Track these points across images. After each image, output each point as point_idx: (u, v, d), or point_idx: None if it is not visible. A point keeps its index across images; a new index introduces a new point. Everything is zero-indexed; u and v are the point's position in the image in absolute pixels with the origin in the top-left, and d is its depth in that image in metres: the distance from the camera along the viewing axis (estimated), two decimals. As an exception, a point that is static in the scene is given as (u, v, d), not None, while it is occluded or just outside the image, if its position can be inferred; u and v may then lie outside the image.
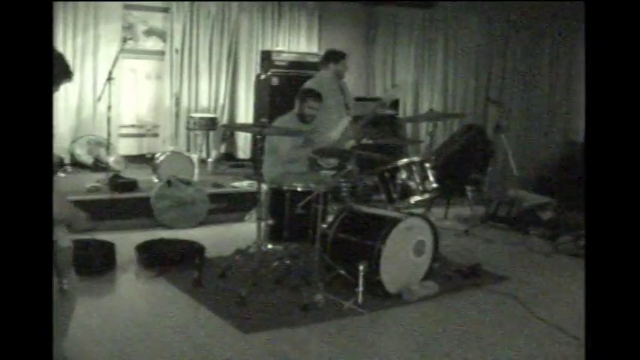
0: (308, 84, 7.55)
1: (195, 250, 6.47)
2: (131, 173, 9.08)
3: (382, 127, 10.43)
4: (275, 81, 10.13)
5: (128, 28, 10.45)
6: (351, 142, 6.87)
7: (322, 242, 5.74)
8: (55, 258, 3.35)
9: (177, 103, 10.03)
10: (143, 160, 10.32)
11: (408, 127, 11.64)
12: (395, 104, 11.08)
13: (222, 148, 11.20)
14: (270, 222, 5.91)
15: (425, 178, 6.30)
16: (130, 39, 9.69)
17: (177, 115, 10.04)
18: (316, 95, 6.86)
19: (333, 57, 7.83)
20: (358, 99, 10.87)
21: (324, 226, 5.84)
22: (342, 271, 5.64)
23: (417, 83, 11.79)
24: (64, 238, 3.44)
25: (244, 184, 9.03)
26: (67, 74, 3.50)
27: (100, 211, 7.56)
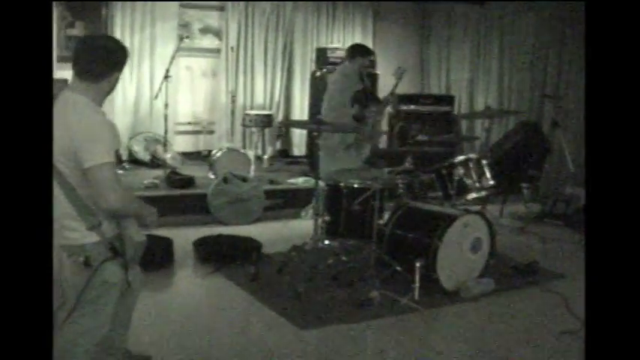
0: (336, 76, 7.57)
1: (252, 246, 6.51)
2: (188, 170, 9.18)
3: (438, 123, 10.41)
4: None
5: (184, 26, 10.56)
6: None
7: (379, 238, 5.75)
8: (125, 250, 3.43)
9: (233, 100, 10.10)
10: (199, 156, 10.43)
11: (463, 123, 11.56)
12: (450, 101, 11.03)
13: (278, 145, 11.25)
14: (327, 218, 5.92)
15: (481, 175, 6.28)
16: (187, 37, 9.78)
17: (232, 112, 10.11)
18: (378, 101, 6.86)
19: (361, 51, 7.84)
20: (412, 96, 10.88)
21: (381, 222, 5.84)
22: (399, 268, 5.64)
23: (472, 80, 11.70)
24: (138, 234, 3.50)
25: (300, 181, 9.06)
26: (120, 60, 3.49)
27: (157, 208, 7.64)
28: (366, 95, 7.01)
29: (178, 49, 9.06)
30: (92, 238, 3.29)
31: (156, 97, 9.02)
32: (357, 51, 7.70)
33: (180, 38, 9.40)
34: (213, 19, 10.86)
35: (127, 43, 9.65)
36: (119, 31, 9.77)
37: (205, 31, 10.89)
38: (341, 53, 10.29)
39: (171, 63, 8.64)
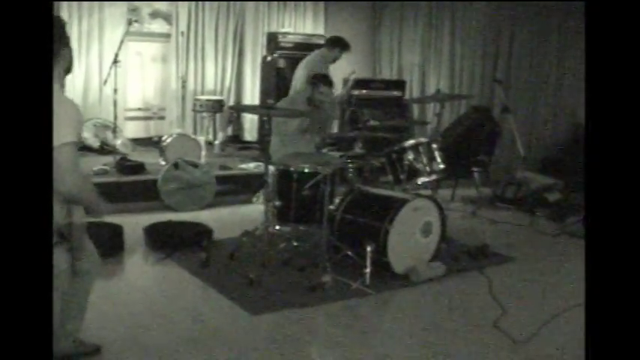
0: (312, 61, 7.64)
1: (202, 232, 6.48)
2: (138, 156, 9.09)
3: (389, 108, 10.45)
4: (281, 63, 10.13)
5: (133, 10, 10.43)
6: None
7: (329, 223, 5.74)
8: (71, 236, 3.35)
9: (184, 85, 10.03)
10: (150, 142, 10.33)
11: (415, 108, 11.61)
12: (401, 85, 11.08)
13: (229, 130, 11.20)
14: (278, 203, 5.91)
15: (432, 159, 6.31)
16: (136, 21, 9.67)
17: (183, 97, 10.04)
18: (329, 82, 6.90)
19: (342, 45, 8.04)
20: (363, 81, 10.91)
21: (332, 207, 5.84)
22: (350, 252, 5.64)
23: (423, 64, 11.74)
24: (80, 217, 3.42)
25: (251, 166, 9.04)
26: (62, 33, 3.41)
27: (107, 194, 7.55)
28: (322, 77, 7.06)
29: (127, 34, 8.96)
30: None
31: (105, 82, 8.92)
32: (338, 44, 8.01)
33: (129, 22, 9.31)
34: (162, 3, 10.75)
35: (74, 28, 9.61)
36: (66, 15, 9.61)
37: (155, 15, 10.78)
38: (292, 38, 10.32)
39: (120, 48, 8.54)
